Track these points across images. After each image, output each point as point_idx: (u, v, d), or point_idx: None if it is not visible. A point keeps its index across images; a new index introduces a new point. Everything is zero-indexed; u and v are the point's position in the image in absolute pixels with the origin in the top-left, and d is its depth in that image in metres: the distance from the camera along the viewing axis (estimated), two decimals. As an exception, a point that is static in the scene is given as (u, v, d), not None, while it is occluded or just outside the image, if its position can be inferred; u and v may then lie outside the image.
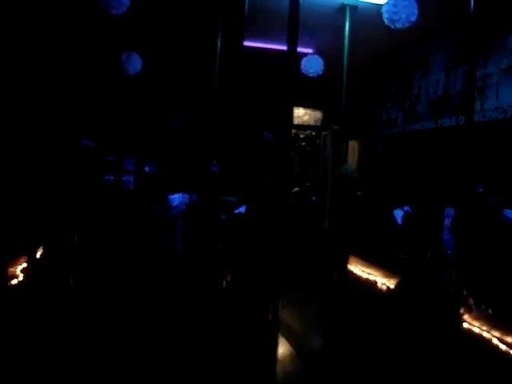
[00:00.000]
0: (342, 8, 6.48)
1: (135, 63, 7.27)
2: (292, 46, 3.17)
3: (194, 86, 10.16)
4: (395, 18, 5.10)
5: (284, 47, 8.57)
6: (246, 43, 7.73)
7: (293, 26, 3.17)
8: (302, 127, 11.53)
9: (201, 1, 6.59)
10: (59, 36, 8.30)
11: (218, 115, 7.38)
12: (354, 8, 6.49)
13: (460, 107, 6.76)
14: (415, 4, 5.18)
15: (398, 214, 8.61)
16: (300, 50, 8.16)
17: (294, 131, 11.67)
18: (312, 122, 11.54)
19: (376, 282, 7.51)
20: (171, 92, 10.21)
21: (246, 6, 4.97)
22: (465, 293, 6.04)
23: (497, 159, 6.53)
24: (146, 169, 9.97)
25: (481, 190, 6.81)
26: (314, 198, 10.23)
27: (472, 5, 4.04)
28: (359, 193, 9.89)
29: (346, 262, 6.57)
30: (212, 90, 7.22)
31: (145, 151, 10.02)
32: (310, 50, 8.10)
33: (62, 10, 7.19)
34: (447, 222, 6.98)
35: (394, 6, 5.12)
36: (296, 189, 9.83)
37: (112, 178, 9.10)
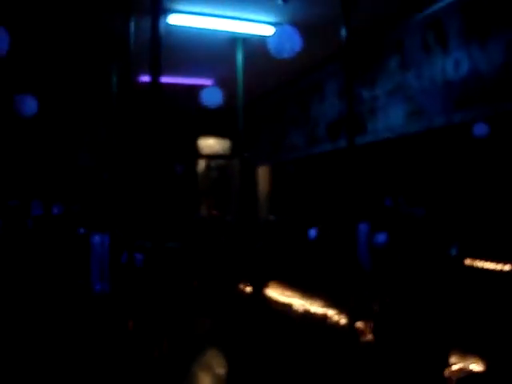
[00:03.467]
0: (234, 41, 6.66)
1: (30, 105, 7.07)
2: (154, 76, 3.22)
3: (97, 125, 10.04)
4: (280, 48, 5.30)
5: (182, 80, 8.63)
6: (144, 78, 7.75)
7: (155, 56, 3.23)
8: (212, 157, 11.65)
9: (89, 41, 6.58)
10: None
11: (124, 152, 7.32)
12: (245, 40, 6.68)
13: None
14: (298, 35, 5.41)
15: (313, 234, 8.82)
16: (200, 82, 8.39)
17: (205, 161, 11.79)
18: (222, 151, 11.69)
19: (291, 305, 7.61)
20: (75, 131, 10.03)
21: (132, 43, 4.99)
22: (375, 307, 6.26)
23: (395, 174, 6.89)
24: (55, 211, 9.64)
25: (388, 203, 7.14)
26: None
27: (344, 37, 4.27)
28: (271, 217, 10.08)
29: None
30: (115, 127, 7.18)
31: (52, 193, 9.73)
32: (209, 82, 8.25)
33: None
34: (362, 237, 7.24)
35: (279, 37, 5.32)
36: None
37: None
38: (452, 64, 5.60)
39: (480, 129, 5.51)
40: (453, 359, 4.44)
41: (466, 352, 4.39)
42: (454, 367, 4.22)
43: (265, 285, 6.83)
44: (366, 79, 6.93)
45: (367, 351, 5.02)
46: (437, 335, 4.65)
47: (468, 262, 5.83)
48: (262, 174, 10.60)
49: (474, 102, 5.34)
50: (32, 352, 5.34)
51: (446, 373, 4.17)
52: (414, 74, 6.21)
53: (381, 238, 6.32)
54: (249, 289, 7.54)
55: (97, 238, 8.88)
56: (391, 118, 6.55)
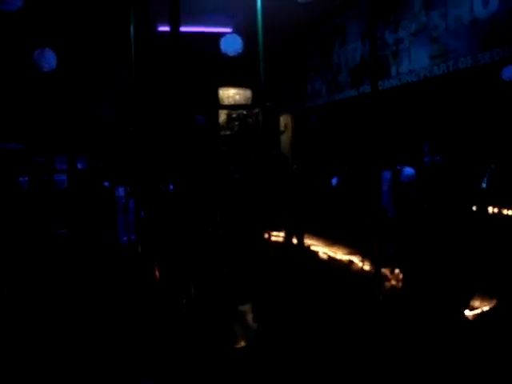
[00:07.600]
0: (253, -15, 6.44)
1: (50, 59, 7.03)
2: (174, 26, 3.14)
3: (117, 77, 9.96)
4: (300, -9, 5.15)
5: (200, 29, 8.45)
6: (162, 28, 7.64)
7: (174, 4, 3.14)
8: (233, 107, 11.54)
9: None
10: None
11: (144, 104, 7.27)
12: (265, -16, 6.46)
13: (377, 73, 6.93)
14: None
15: (335, 182, 8.76)
16: (219, 30, 8.21)
17: (226, 112, 11.69)
18: (243, 101, 11.56)
19: (317, 252, 7.70)
20: (95, 85, 9.98)
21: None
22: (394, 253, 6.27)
23: (420, 119, 6.75)
24: (79, 166, 9.75)
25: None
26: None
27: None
28: (295, 166, 10.02)
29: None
30: (135, 79, 7.09)
31: (76, 148, 9.79)
32: (228, 30, 8.07)
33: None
34: (385, 185, 7.20)
35: (298, -21, 5.16)
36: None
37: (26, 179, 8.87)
38: (481, 0, 5.36)
39: (509, 71, 5.29)
40: (476, 303, 4.48)
41: (490, 296, 4.43)
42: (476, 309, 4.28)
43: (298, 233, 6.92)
44: (390, 21, 6.71)
45: (390, 295, 5.08)
46: (458, 278, 4.67)
47: (492, 209, 5.77)
48: (285, 122, 10.50)
49: (503, 42, 5.13)
50: (64, 298, 5.54)
51: (467, 314, 4.22)
52: (439, 13, 5.97)
53: (408, 170, 6.22)
54: (278, 237, 7.62)
55: (121, 191, 9.01)
56: (415, 61, 6.36)
